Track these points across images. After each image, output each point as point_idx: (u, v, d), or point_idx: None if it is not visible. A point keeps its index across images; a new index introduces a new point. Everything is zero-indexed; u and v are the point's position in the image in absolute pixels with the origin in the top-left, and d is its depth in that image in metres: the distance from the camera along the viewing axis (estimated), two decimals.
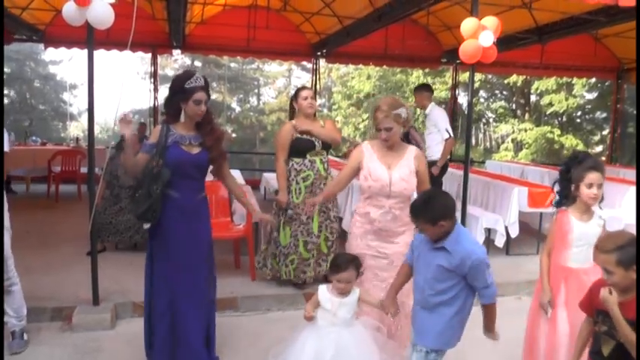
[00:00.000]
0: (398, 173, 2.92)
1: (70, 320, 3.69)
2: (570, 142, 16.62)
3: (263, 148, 22.60)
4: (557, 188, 2.78)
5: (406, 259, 2.59)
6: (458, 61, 9.59)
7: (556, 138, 16.99)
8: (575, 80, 15.50)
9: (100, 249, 4.95)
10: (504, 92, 20.49)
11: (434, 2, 5.86)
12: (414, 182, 2.95)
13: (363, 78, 19.47)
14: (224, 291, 3.89)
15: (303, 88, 4.45)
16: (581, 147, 16.20)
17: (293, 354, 2.55)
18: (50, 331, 3.65)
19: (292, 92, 4.71)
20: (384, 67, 13.32)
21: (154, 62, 9.52)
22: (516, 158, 17.21)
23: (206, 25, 8.89)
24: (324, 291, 2.64)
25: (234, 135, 20.36)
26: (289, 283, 4.40)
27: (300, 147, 4.22)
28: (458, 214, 3.79)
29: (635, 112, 14.14)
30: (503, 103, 20.32)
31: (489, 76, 18.51)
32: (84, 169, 7.71)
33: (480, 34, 4.25)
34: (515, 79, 16.83)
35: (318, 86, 10.10)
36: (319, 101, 14.59)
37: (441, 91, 17.37)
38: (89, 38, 3.61)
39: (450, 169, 6.43)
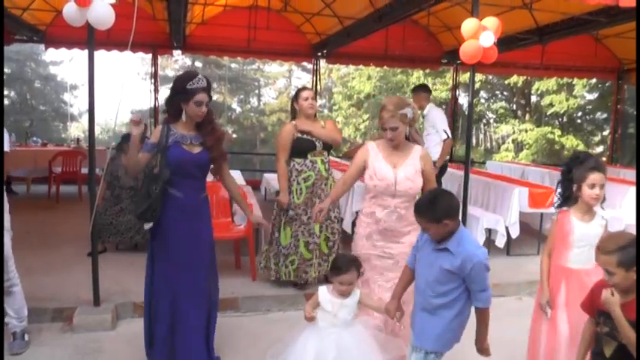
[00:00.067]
0: (403, 172, 2.93)
1: (71, 321, 3.69)
2: (571, 142, 16.61)
3: (263, 149, 22.59)
4: (558, 189, 2.78)
5: (408, 262, 2.58)
6: (458, 62, 9.58)
7: (557, 138, 16.98)
8: (575, 81, 15.50)
9: (101, 250, 4.95)
10: (505, 93, 20.48)
11: (434, 3, 5.86)
12: (420, 182, 2.95)
13: (363, 78, 19.47)
14: (225, 291, 3.88)
15: (304, 88, 4.46)
16: (581, 147, 16.20)
17: (293, 355, 2.55)
18: (51, 331, 3.66)
19: (293, 93, 4.72)
20: (385, 67, 13.31)
21: (155, 63, 9.52)
22: (517, 159, 17.20)
23: (207, 26, 8.89)
24: (324, 292, 2.63)
25: (234, 136, 20.39)
26: (290, 283, 4.40)
27: (301, 147, 4.23)
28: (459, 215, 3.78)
29: (635, 112, 14.14)
30: (503, 103, 20.32)
31: (490, 77, 18.50)
32: (84, 170, 7.69)
33: (480, 34, 4.25)
34: (516, 79, 16.82)
35: (318, 87, 10.09)
36: (320, 102, 14.57)
37: (441, 91, 17.37)
38: (90, 39, 3.61)
39: (450, 170, 6.43)
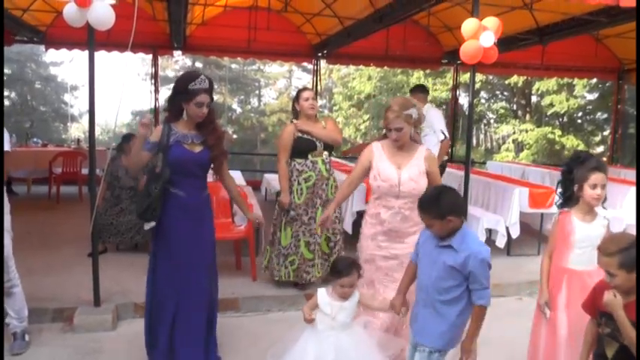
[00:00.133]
0: (407, 173, 2.93)
1: (72, 321, 3.69)
2: (571, 142, 16.59)
3: (264, 149, 22.57)
4: (559, 189, 2.77)
5: (411, 257, 2.58)
6: (459, 62, 9.58)
7: (557, 139, 16.96)
8: (576, 81, 15.48)
9: (101, 250, 4.95)
10: (505, 93, 20.47)
11: (435, 3, 5.86)
12: (424, 183, 2.95)
13: (363, 79, 19.45)
14: (225, 292, 3.89)
15: (305, 89, 4.47)
16: (582, 148, 16.16)
17: (293, 356, 2.54)
18: (51, 332, 3.66)
19: (293, 93, 4.72)
20: (385, 67, 13.28)
21: (155, 63, 9.51)
22: (517, 159, 17.19)
23: (207, 26, 8.89)
24: (323, 295, 2.62)
25: (235, 136, 20.39)
26: (290, 284, 4.39)
27: (302, 147, 4.23)
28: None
29: (635, 112, 14.12)
30: (504, 103, 20.30)
31: (490, 77, 18.49)
32: (85, 171, 7.69)
33: (480, 34, 4.25)
34: (516, 79, 16.81)
35: (319, 87, 10.09)
36: (320, 102, 14.57)
37: (441, 92, 17.36)
38: (90, 39, 3.61)
39: (450, 170, 6.42)
